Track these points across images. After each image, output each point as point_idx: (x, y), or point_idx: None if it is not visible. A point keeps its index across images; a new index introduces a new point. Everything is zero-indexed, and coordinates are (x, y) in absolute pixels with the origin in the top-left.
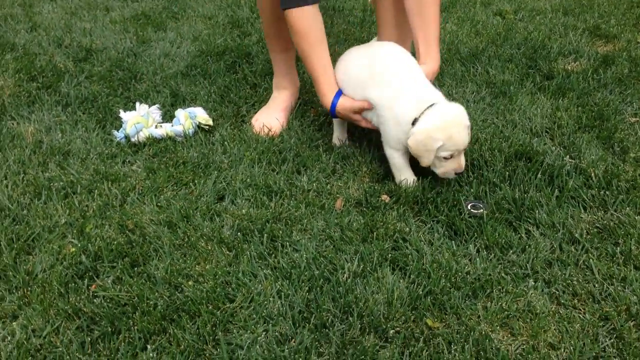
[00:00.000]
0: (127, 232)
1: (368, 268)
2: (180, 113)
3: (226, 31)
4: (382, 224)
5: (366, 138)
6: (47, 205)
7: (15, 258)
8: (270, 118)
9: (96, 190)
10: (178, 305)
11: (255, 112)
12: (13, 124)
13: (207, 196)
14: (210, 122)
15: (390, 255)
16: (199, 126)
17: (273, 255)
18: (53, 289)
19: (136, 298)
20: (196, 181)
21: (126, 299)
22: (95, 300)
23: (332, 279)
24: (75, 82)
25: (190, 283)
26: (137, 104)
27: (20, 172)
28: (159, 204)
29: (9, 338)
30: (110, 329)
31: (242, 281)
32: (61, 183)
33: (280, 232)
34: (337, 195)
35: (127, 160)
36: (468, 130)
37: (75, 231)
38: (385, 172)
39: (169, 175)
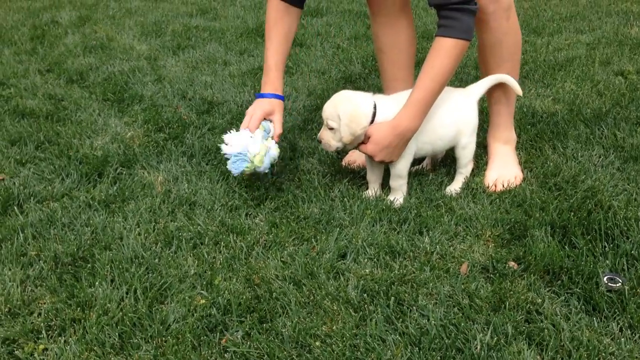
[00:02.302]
0: (254, 286)
1: (502, 341)
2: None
3: (339, 86)
4: (511, 293)
5: (488, 199)
6: (177, 255)
7: (149, 307)
8: None
9: (222, 242)
10: None
11: None
12: (144, 172)
13: (329, 253)
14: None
15: (524, 328)
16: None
17: (401, 319)
18: (186, 341)
19: (266, 356)
20: (318, 237)
21: (256, 356)
22: (226, 355)
23: (464, 350)
24: (199, 134)
25: (317, 344)
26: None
27: (151, 220)
28: (282, 259)
29: None
30: None
31: (370, 345)
32: (189, 233)
33: (407, 295)
34: (462, 260)
35: (250, 213)
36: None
37: (204, 283)
38: (511, 237)
39: (290, 230)
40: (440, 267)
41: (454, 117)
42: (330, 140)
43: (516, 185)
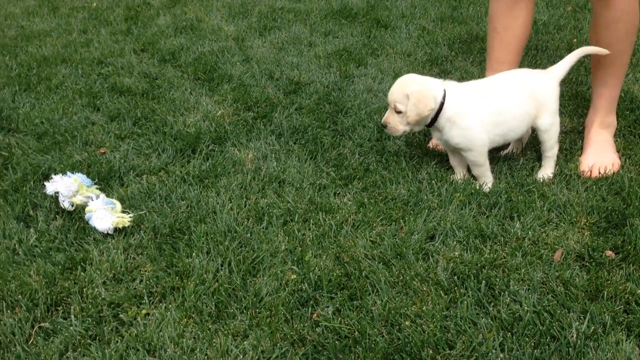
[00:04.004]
0: (344, 264)
1: (599, 330)
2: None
3: (425, 68)
4: (609, 282)
5: (583, 185)
6: (268, 231)
7: (243, 279)
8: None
9: (311, 220)
10: (398, 345)
11: None
12: (234, 150)
13: (417, 234)
14: (126, 223)
15: (623, 318)
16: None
17: (492, 304)
18: (279, 314)
19: (357, 332)
20: (406, 218)
21: (347, 332)
22: (317, 329)
23: (560, 338)
24: (286, 113)
25: (407, 323)
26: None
27: (242, 196)
28: (371, 238)
29: (241, 357)
30: None
31: (462, 328)
32: (279, 210)
33: (497, 280)
34: (556, 247)
35: (338, 193)
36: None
37: (295, 258)
38: (607, 225)
39: (378, 210)
40: (533, 253)
41: (527, 107)
42: (397, 124)
43: (614, 172)
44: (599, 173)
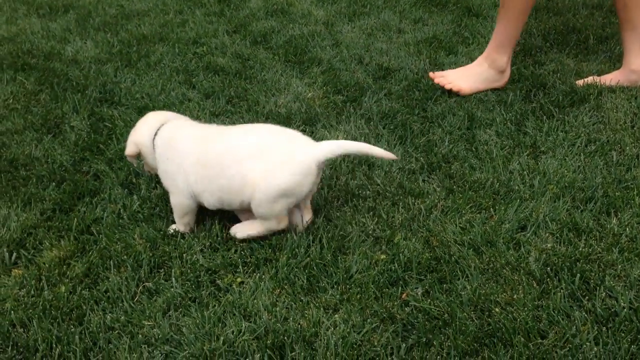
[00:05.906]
0: (434, 248)
1: None
2: None
3: (518, 59)
4: None
5: None
6: (357, 211)
7: (334, 255)
8: None
9: (400, 203)
10: (488, 330)
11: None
12: (324, 131)
13: (508, 223)
14: None
15: None
16: None
17: (586, 297)
18: (369, 291)
19: (446, 314)
20: (496, 207)
21: (436, 313)
22: (406, 309)
23: None
24: (375, 98)
25: (497, 310)
26: None
27: (332, 177)
28: (460, 225)
29: (332, 329)
30: (424, 340)
31: (554, 319)
32: (368, 192)
33: (592, 274)
34: None
35: (425, 180)
36: None
37: (384, 240)
38: None
39: (468, 197)
40: (631, 250)
41: (245, 168)
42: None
43: None
44: None
